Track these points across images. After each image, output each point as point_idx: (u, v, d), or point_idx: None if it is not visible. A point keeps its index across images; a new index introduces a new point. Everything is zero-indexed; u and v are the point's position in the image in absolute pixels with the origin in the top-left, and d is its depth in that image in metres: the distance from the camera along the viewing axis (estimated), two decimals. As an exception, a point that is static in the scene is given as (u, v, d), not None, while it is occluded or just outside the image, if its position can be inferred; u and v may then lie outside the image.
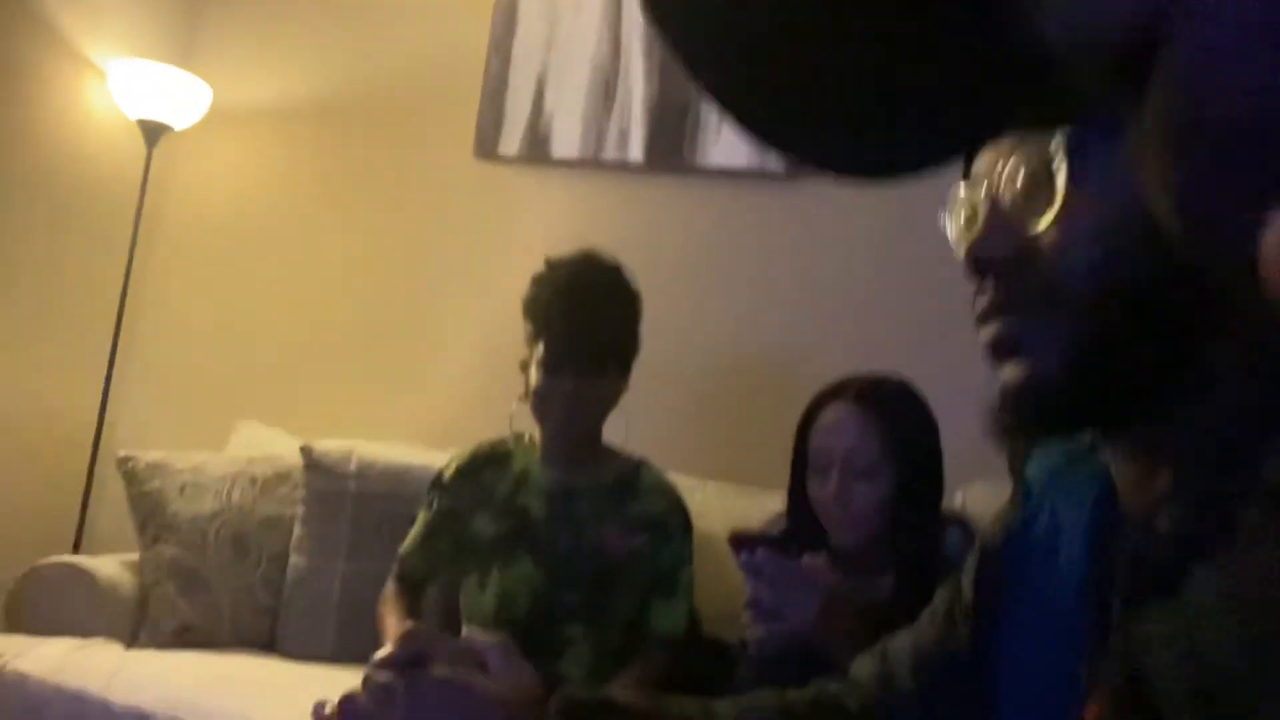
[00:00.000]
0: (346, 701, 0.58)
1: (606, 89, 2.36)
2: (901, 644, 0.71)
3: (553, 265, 1.63)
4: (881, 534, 1.32)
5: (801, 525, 1.38)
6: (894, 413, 1.33)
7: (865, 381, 1.37)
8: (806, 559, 1.24)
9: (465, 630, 1.59)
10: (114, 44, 2.47)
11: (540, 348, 1.59)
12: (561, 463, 1.64)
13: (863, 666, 0.73)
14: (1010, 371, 0.50)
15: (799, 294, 2.21)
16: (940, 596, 0.71)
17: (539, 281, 1.63)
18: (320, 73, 2.61)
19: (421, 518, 1.68)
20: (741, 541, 1.25)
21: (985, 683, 0.61)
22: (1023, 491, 0.66)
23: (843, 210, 2.17)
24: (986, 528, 0.68)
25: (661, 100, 2.30)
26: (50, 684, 1.59)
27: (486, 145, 2.45)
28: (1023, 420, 0.51)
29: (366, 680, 0.59)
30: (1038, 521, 0.62)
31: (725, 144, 2.23)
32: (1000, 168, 0.51)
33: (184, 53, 2.59)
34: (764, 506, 1.67)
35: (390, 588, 1.66)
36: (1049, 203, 0.49)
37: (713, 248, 2.28)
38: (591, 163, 2.37)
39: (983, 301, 0.51)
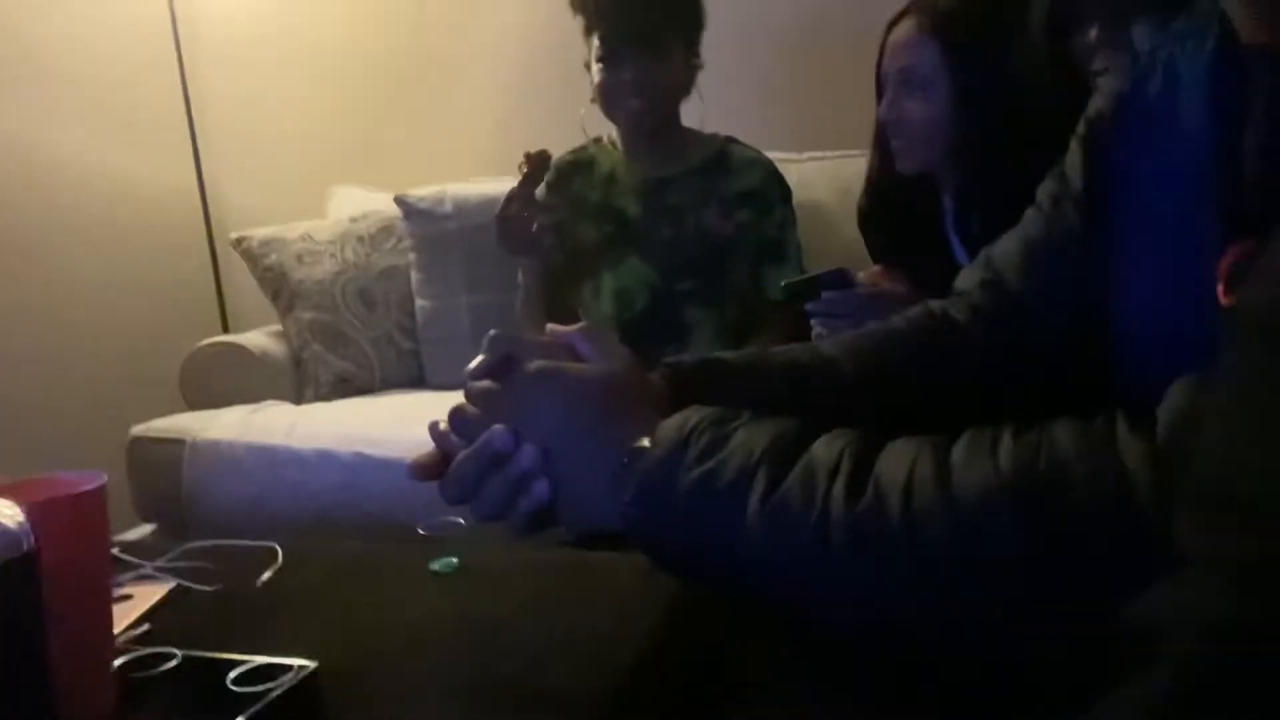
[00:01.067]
0: (455, 413, 0.59)
1: None
2: (1006, 246, 0.69)
3: None
4: (942, 159, 1.26)
5: (882, 157, 1.34)
6: (957, 25, 1.22)
7: None
8: (863, 276, 1.23)
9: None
10: None
11: (595, 41, 1.52)
12: (646, 156, 1.62)
13: (967, 277, 0.72)
14: None
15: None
16: (1044, 190, 0.68)
17: None
18: None
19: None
20: (797, 292, 1.23)
21: (1102, 269, 0.60)
22: (1130, 56, 0.61)
23: None
24: (1093, 102, 0.64)
25: None
26: (240, 443, 1.78)
27: None
28: None
29: (467, 391, 0.60)
30: (1150, 82, 0.58)
31: None
32: None
33: None
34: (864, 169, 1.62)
35: (520, 312, 1.71)
36: None
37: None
38: None
39: None
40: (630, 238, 1.61)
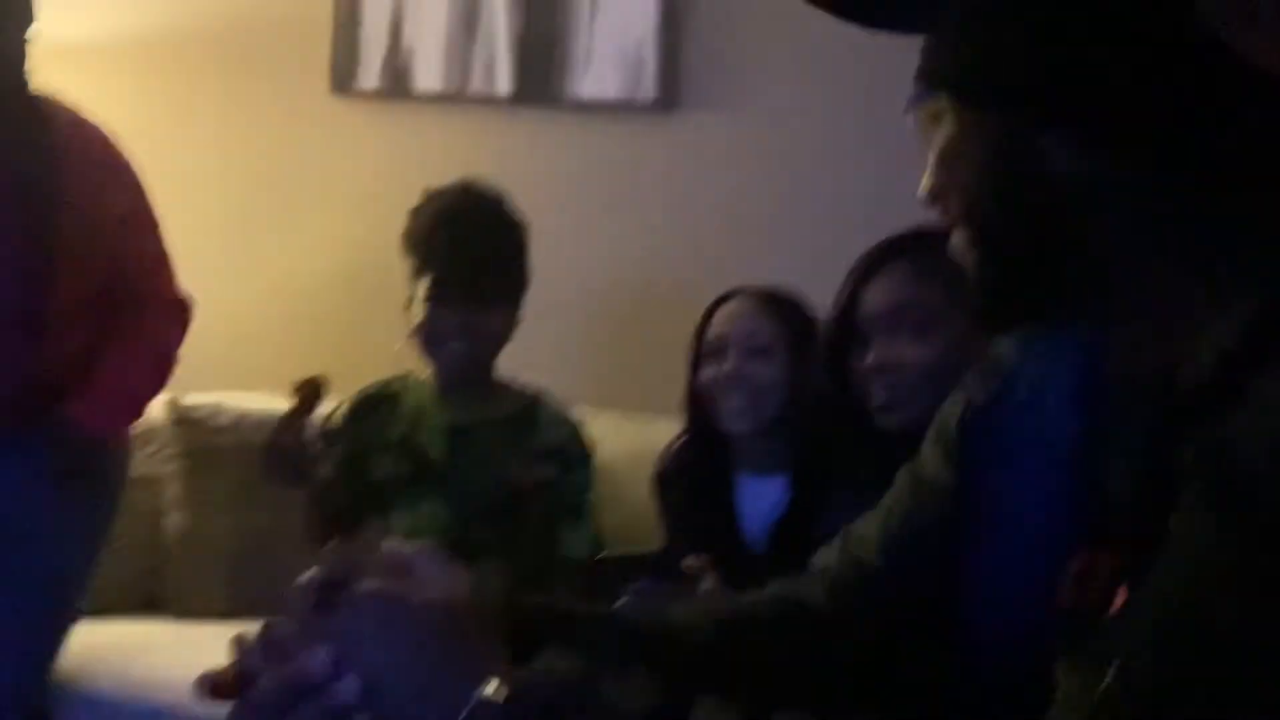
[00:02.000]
0: (268, 628, 0.53)
1: (468, 20, 2.30)
2: (866, 526, 0.71)
3: (433, 196, 1.61)
4: (777, 422, 1.37)
5: (700, 421, 1.44)
6: (789, 309, 1.42)
7: (759, 286, 1.46)
8: (685, 565, 1.28)
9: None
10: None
11: (425, 281, 1.56)
12: (457, 400, 1.63)
13: (825, 555, 0.73)
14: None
15: (677, 223, 2.24)
16: (903, 475, 0.71)
17: (419, 213, 1.60)
18: (161, 3, 2.43)
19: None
20: (618, 571, 1.28)
21: (959, 555, 0.62)
22: (995, 364, 0.64)
23: (716, 138, 2.20)
24: (954, 401, 0.68)
25: (528, 31, 2.25)
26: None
27: (343, 80, 2.34)
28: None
29: (290, 604, 0.54)
30: (1016, 390, 0.62)
31: (595, 75, 2.21)
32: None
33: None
34: (656, 433, 1.72)
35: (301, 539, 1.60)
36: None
37: (588, 180, 2.28)
38: (456, 96, 2.32)
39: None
40: (429, 479, 1.58)
